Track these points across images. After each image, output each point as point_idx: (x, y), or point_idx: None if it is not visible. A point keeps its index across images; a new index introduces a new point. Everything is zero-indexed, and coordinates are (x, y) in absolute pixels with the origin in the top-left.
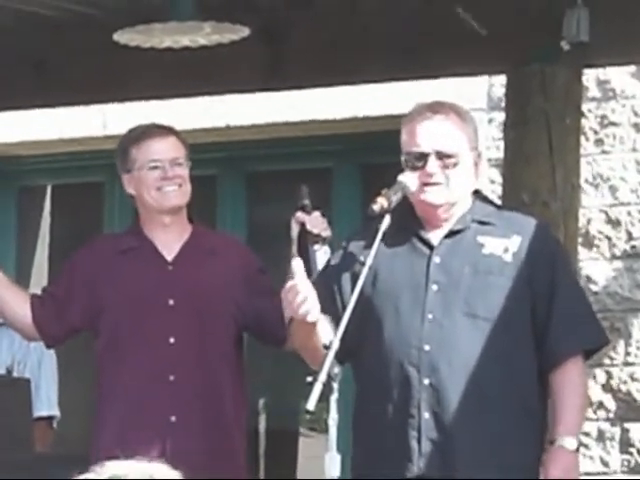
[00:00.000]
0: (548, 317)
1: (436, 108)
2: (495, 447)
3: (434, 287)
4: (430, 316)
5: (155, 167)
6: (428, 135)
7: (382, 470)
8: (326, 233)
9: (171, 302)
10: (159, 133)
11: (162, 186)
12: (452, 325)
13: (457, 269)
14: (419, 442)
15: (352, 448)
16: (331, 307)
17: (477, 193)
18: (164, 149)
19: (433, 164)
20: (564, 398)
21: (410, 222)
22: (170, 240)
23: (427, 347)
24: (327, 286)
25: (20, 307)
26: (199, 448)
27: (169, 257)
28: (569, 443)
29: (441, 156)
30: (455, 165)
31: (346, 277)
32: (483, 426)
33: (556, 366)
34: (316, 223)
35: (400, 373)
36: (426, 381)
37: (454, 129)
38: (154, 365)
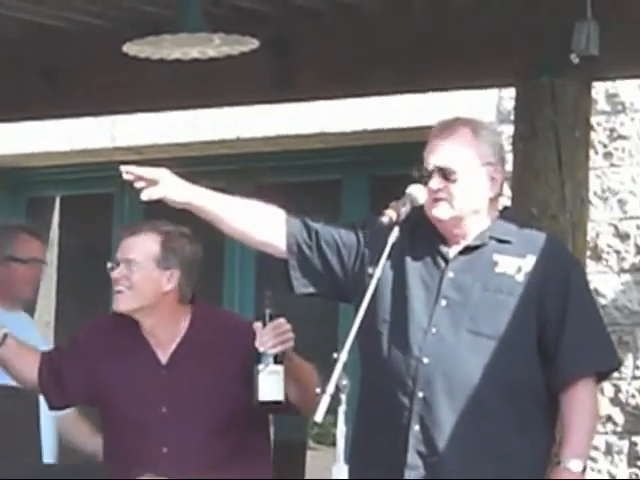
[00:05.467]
0: (559, 338)
1: (446, 125)
2: (488, 465)
3: (443, 302)
4: (434, 330)
5: (111, 268)
6: (432, 152)
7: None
8: (277, 349)
9: (164, 410)
10: (131, 231)
11: (115, 287)
12: (455, 341)
13: (468, 286)
14: (405, 453)
15: (350, 442)
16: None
17: (505, 209)
18: (124, 247)
19: (435, 180)
20: (572, 420)
21: (433, 235)
22: (164, 338)
23: (426, 360)
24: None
25: (29, 372)
26: None
27: (163, 359)
28: (574, 465)
29: (443, 172)
30: (455, 181)
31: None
32: (475, 444)
33: (566, 387)
34: (271, 336)
35: (398, 382)
36: (420, 394)
37: (459, 145)
38: (148, 471)
